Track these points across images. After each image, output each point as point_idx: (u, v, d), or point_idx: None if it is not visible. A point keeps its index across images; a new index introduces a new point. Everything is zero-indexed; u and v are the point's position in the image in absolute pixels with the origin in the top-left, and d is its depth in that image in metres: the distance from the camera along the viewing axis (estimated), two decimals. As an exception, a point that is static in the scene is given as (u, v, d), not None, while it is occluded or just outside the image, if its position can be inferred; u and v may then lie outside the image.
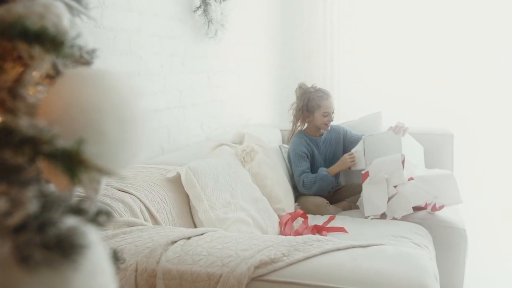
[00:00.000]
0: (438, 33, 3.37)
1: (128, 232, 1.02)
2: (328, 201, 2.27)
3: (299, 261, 0.88)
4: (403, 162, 1.99)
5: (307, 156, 2.33)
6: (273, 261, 0.87)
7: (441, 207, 2.08)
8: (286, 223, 1.93)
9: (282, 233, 1.88)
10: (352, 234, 1.91)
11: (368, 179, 2.05)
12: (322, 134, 2.42)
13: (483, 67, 3.30)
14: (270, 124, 3.08)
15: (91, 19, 0.59)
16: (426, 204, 2.06)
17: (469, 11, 3.30)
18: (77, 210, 0.35)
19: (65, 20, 0.46)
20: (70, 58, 0.49)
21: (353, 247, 0.94)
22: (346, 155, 2.28)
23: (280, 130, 2.86)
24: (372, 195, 2.04)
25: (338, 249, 0.92)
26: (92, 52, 0.54)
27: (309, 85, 2.39)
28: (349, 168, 2.28)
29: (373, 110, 2.68)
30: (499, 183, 3.28)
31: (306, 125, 2.43)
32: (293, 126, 2.43)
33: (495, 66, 3.28)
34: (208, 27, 2.33)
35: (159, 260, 0.91)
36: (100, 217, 0.37)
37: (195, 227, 1.64)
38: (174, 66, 2.20)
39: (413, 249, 0.94)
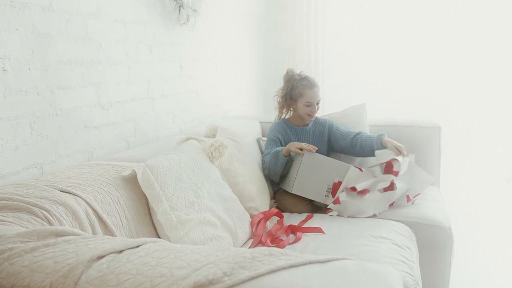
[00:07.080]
0: (424, 25, 3.27)
1: (51, 245, 0.87)
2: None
3: (242, 281, 0.74)
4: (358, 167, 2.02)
5: (280, 142, 2.21)
6: (211, 282, 0.73)
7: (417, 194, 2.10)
8: (258, 223, 1.79)
9: (253, 234, 1.74)
10: (330, 234, 1.79)
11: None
12: (306, 125, 2.27)
13: (471, 59, 3.21)
14: (251, 116, 2.91)
15: None
16: (407, 197, 2.07)
17: (455, 2, 3.17)
18: None
19: None
20: None
21: (310, 263, 0.80)
22: (298, 144, 2.06)
23: (260, 122, 2.72)
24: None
25: (292, 266, 0.79)
26: None
27: (297, 71, 2.26)
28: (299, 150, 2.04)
29: (357, 102, 2.54)
30: (487, 179, 3.17)
31: (291, 113, 2.29)
32: (278, 113, 2.30)
33: (482, 58, 3.18)
34: (179, 12, 2.17)
35: (78, 281, 0.76)
36: None
37: (155, 230, 1.50)
38: (141, 54, 2.04)
39: (381, 265, 0.81)
